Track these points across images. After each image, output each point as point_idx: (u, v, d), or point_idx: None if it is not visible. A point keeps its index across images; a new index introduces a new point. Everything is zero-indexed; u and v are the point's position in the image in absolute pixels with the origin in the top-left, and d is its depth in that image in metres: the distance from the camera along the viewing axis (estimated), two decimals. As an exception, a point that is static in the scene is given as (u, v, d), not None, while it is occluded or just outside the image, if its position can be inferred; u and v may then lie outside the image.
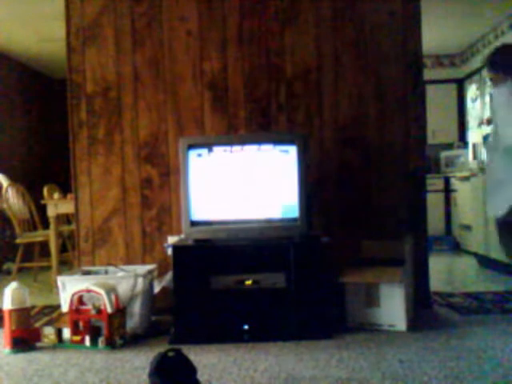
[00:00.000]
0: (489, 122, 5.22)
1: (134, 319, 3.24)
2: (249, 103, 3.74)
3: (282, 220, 3.16)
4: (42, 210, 5.34)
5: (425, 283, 3.73)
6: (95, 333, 3.02)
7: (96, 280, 3.19)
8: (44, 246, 5.56)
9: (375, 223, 3.70)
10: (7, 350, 3.01)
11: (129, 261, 3.75)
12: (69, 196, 4.95)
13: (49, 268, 5.32)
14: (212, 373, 2.53)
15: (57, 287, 3.35)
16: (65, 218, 5.94)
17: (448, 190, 7.25)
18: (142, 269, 3.43)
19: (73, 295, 3.06)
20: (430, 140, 7.50)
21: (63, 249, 5.73)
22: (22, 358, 2.91)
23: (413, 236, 3.53)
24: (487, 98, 5.28)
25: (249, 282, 3.09)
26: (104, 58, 3.79)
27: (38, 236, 5.44)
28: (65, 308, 3.18)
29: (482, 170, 5.38)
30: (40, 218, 5.70)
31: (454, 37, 7.06)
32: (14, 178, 5.85)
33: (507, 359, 2.57)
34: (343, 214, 3.72)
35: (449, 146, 7.86)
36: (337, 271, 3.27)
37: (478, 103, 5.55)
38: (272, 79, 3.74)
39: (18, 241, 5.34)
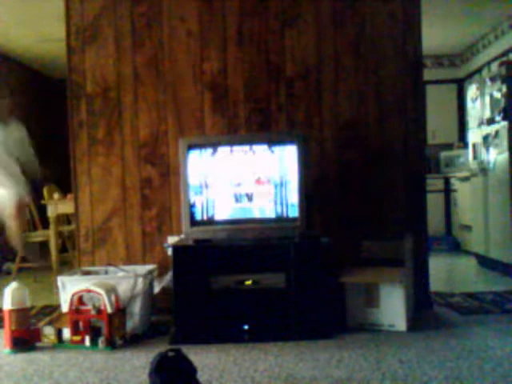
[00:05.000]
0: (489, 121, 5.22)
1: (134, 319, 3.24)
2: (249, 103, 3.74)
3: (281, 220, 3.16)
4: (42, 210, 5.34)
5: (425, 283, 3.73)
6: (95, 333, 3.02)
7: (96, 280, 3.19)
8: (44, 245, 5.56)
9: (375, 223, 3.70)
10: (7, 349, 3.01)
11: (129, 261, 3.75)
12: (69, 196, 4.95)
13: (49, 268, 5.32)
14: (212, 373, 2.53)
15: (57, 287, 3.35)
16: (65, 218, 5.94)
17: (448, 190, 7.25)
18: (142, 269, 3.43)
19: (73, 295, 3.06)
20: (430, 140, 7.50)
21: (63, 249, 5.73)
22: (22, 358, 2.91)
23: (413, 236, 3.53)
24: (487, 98, 5.27)
25: (249, 282, 3.09)
26: (104, 58, 3.79)
27: (38, 236, 5.44)
28: (65, 308, 3.18)
29: (482, 170, 5.38)
30: (40, 218, 5.69)
31: (454, 37, 7.05)
32: (13, 178, 5.84)
33: (507, 359, 2.57)
34: (343, 214, 3.72)
35: (449, 146, 7.85)
36: (337, 271, 3.27)
37: (478, 103, 5.54)
38: (272, 79, 3.74)
39: (18, 241, 5.34)
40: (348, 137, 3.73)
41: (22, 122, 7.36)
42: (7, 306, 3.03)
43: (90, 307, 3.03)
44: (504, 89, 4.86)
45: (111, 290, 3.05)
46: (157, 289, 3.49)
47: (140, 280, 3.24)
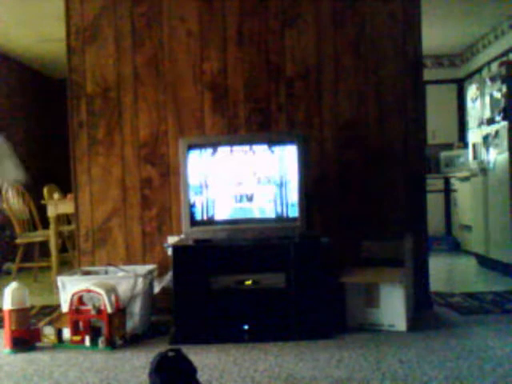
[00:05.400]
0: (489, 121, 5.22)
1: (134, 319, 3.24)
2: (249, 103, 3.74)
3: (281, 220, 3.16)
4: (42, 210, 5.34)
5: (425, 283, 3.73)
6: (95, 333, 3.02)
7: (96, 280, 3.19)
8: (44, 245, 5.56)
9: (375, 223, 3.70)
10: (7, 349, 3.01)
11: (129, 261, 3.75)
12: (69, 196, 4.96)
13: (49, 268, 5.32)
14: (212, 373, 2.53)
15: (57, 287, 3.35)
16: (65, 218, 5.94)
17: (448, 190, 7.25)
18: (142, 269, 3.43)
19: (73, 295, 3.06)
20: (430, 140, 7.50)
21: (63, 249, 5.74)
22: (22, 358, 2.91)
23: (413, 236, 3.53)
24: (487, 98, 5.27)
25: (249, 282, 3.09)
26: (104, 58, 3.79)
27: (37, 236, 5.44)
28: (65, 308, 3.18)
29: (482, 170, 5.39)
30: (40, 218, 5.70)
31: (454, 37, 7.05)
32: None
33: (507, 359, 2.57)
34: (343, 214, 3.72)
35: (449, 146, 7.85)
36: (337, 271, 3.27)
37: (478, 103, 5.54)
38: (272, 79, 3.74)
39: (17, 241, 5.34)
40: (348, 137, 3.73)
41: (22, 122, 7.39)
42: (7, 306, 3.03)
43: (90, 307, 3.03)
44: (504, 89, 4.86)
45: (111, 290, 3.05)
46: (157, 289, 3.49)
47: (140, 280, 3.24)
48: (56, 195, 5.50)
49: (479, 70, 7.14)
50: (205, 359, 2.73)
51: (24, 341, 3.02)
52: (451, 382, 2.31)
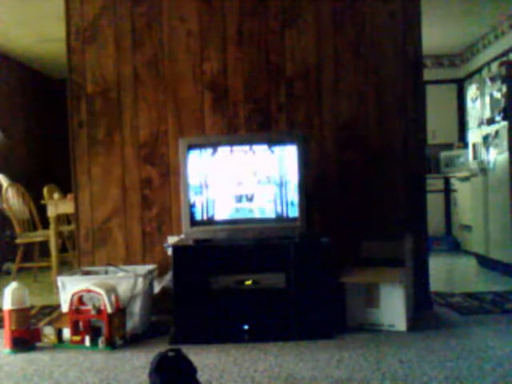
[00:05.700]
0: (489, 121, 5.22)
1: (134, 319, 3.24)
2: (249, 103, 3.74)
3: (281, 220, 3.16)
4: (42, 209, 5.34)
5: (425, 283, 3.73)
6: (95, 333, 3.02)
7: (96, 280, 3.19)
8: (44, 245, 5.56)
9: (375, 223, 3.70)
10: (7, 349, 3.01)
11: (129, 261, 3.75)
12: (69, 196, 4.96)
13: (49, 268, 5.33)
14: (212, 373, 2.53)
15: (57, 287, 3.35)
16: (65, 218, 5.95)
17: (448, 190, 7.25)
18: (142, 269, 3.43)
19: (73, 295, 3.06)
20: (430, 140, 7.51)
21: (63, 249, 5.74)
22: (22, 358, 2.91)
23: (413, 236, 3.53)
24: (487, 98, 5.27)
25: (249, 282, 3.09)
26: (104, 58, 3.79)
27: (37, 236, 5.44)
28: (65, 308, 3.18)
29: (482, 170, 5.39)
30: (40, 218, 5.70)
31: (454, 37, 7.05)
32: (13, 178, 5.85)
33: (507, 359, 2.57)
34: (343, 213, 3.72)
35: (449, 146, 7.86)
36: (337, 271, 3.27)
37: (478, 103, 5.54)
38: (272, 79, 3.74)
39: (17, 241, 5.34)
40: (348, 137, 3.73)
41: (22, 122, 7.39)
42: (7, 306, 3.03)
43: (90, 307, 3.03)
44: (504, 89, 4.86)
45: (111, 290, 3.05)
46: (157, 289, 3.49)
47: (140, 280, 3.24)
48: (56, 195, 5.50)
49: (479, 70, 7.14)
50: (205, 359, 2.73)
51: (24, 341, 3.02)
52: (451, 382, 2.31)
